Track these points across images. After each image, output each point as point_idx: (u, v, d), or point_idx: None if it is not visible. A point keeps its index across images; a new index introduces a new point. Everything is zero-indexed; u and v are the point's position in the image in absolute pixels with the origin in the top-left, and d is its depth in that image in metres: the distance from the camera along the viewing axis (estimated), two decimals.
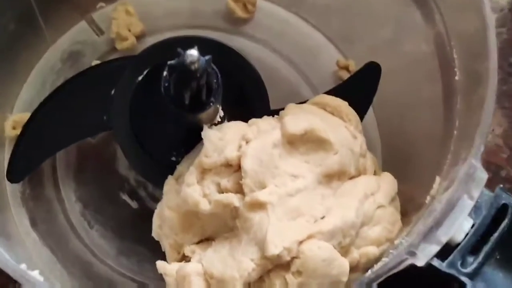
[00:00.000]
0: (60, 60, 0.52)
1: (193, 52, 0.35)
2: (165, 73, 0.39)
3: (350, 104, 0.44)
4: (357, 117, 0.44)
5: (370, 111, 0.49)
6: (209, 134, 0.40)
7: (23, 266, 0.34)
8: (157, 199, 0.44)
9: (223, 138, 0.40)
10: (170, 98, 0.39)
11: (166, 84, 0.39)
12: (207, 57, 0.36)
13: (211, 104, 0.39)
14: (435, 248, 0.33)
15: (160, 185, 0.43)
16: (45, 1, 0.49)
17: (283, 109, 0.43)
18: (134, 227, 0.50)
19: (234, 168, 0.39)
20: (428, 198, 0.38)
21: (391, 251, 0.37)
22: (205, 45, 0.36)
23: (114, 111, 0.46)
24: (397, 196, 0.42)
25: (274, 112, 0.44)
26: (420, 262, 0.33)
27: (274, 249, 0.36)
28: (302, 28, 0.54)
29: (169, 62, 0.37)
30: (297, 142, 0.40)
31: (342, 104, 0.43)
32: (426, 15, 0.44)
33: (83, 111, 0.48)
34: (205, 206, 0.39)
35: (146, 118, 0.45)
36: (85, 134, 0.49)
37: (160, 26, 0.53)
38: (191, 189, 0.39)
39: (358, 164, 0.41)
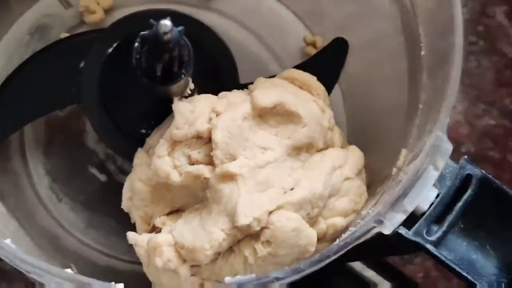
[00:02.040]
0: (28, 33, 0.51)
1: (167, 22, 0.35)
2: (136, 44, 0.39)
3: (318, 79, 0.44)
4: (325, 92, 0.44)
5: (337, 86, 0.49)
6: (179, 107, 0.40)
7: None
8: (126, 172, 0.44)
9: (193, 111, 0.40)
10: (141, 70, 0.39)
11: (138, 56, 0.39)
12: (179, 28, 0.36)
13: (183, 76, 0.39)
14: (401, 217, 0.34)
15: (129, 158, 0.43)
16: None
17: (252, 83, 0.44)
18: (103, 200, 0.50)
19: (205, 140, 0.40)
20: (395, 169, 0.39)
21: (358, 221, 0.38)
22: (175, 18, 0.36)
23: (83, 84, 0.46)
24: (363, 169, 0.43)
25: (243, 86, 0.44)
26: (387, 230, 0.34)
27: (244, 219, 0.37)
28: (271, 4, 0.54)
29: (141, 33, 0.37)
30: (266, 115, 0.41)
31: (310, 79, 0.44)
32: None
33: (50, 85, 0.47)
34: (175, 177, 0.39)
35: (115, 91, 0.45)
36: (53, 107, 0.48)
37: (129, 0, 0.53)
38: (162, 161, 0.40)
39: (326, 138, 0.42)
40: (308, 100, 0.42)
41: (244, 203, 0.37)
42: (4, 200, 0.49)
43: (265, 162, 0.39)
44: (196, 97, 0.42)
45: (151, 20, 0.36)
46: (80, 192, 0.50)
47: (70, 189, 0.50)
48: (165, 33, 0.35)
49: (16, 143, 0.50)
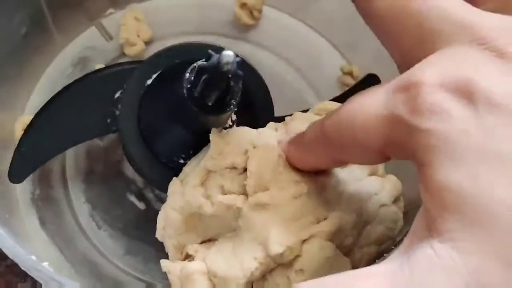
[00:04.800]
0: (70, 65, 0.53)
1: (230, 53, 0.35)
2: (187, 75, 0.39)
3: None
4: None
5: None
6: (216, 137, 0.41)
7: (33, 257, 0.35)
8: (163, 201, 0.45)
9: (230, 142, 0.41)
10: (192, 99, 0.40)
11: (189, 86, 0.39)
12: (238, 59, 0.36)
13: (232, 106, 0.40)
14: None
15: (164, 188, 0.44)
16: (56, 6, 0.50)
17: (288, 115, 0.44)
18: (141, 227, 0.51)
19: (239, 171, 0.40)
20: None
21: (392, 247, 0.38)
22: (214, 51, 0.37)
23: (121, 114, 0.46)
24: (401, 198, 0.43)
25: (279, 119, 0.44)
26: None
27: (277, 248, 0.37)
28: (307, 34, 0.55)
29: (198, 63, 0.38)
30: None
31: None
32: None
33: (85, 114, 0.49)
34: (208, 208, 0.40)
35: (154, 121, 0.46)
36: (87, 136, 0.49)
37: (168, 33, 0.55)
38: (195, 191, 0.40)
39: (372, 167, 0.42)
40: None
41: (277, 232, 0.37)
42: (46, 226, 0.50)
43: (298, 193, 0.39)
44: (234, 129, 0.42)
45: (210, 51, 0.37)
46: (119, 220, 0.51)
47: (110, 216, 0.51)
48: (228, 63, 0.35)
49: (58, 172, 0.52)
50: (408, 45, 0.30)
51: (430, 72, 0.27)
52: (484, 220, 0.25)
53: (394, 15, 0.30)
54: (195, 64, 0.39)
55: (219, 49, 0.37)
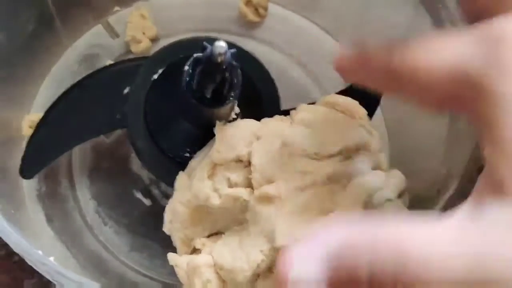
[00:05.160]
0: (76, 62, 0.54)
1: (222, 44, 0.36)
2: (187, 67, 0.40)
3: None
4: (367, 116, 0.44)
5: (378, 111, 0.49)
6: (221, 130, 0.41)
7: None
8: (169, 197, 0.45)
9: (235, 135, 0.41)
10: (191, 92, 0.40)
11: (188, 78, 0.40)
12: (232, 50, 0.37)
13: (231, 98, 0.40)
14: None
15: (171, 183, 0.44)
16: (63, 3, 0.51)
17: (293, 109, 0.44)
18: (147, 224, 0.51)
19: (245, 163, 0.40)
20: (435, 192, 0.39)
21: None
22: (210, 43, 0.37)
23: (128, 109, 0.47)
24: (406, 192, 0.43)
25: (285, 112, 0.44)
26: None
27: (283, 240, 0.37)
28: (312, 31, 0.55)
29: (194, 55, 0.38)
30: None
31: (352, 103, 0.43)
32: (437, 22, 0.45)
33: (95, 110, 0.49)
34: (215, 200, 0.40)
35: (160, 116, 0.46)
36: (98, 132, 0.50)
37: (174, 30, 0.55)
38: (202, 184, 0.40)
39: (376, 161, 0.42)
40: (354, 125, 0.42)
41: (283, 224, 0.37)
42: (52, 223, 0.50)
43: (304, 185, 0.39)
44: (238, 121, 0.43)
45: (205, 42, 0.37)
46: (125, 216, 0.51)
47: (116, 213, 0.51)
48: (220, 54, 0.36)
49: (64, 168, 0.52)
50: None
51: None
52: None
53: None
54: (192, 56, 0.39)
55: (215, 41, 0.37)
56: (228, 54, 0.36)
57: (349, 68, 0.33)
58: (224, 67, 0.37)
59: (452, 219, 0.26)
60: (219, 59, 0.36)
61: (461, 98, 0.27)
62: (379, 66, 0.30)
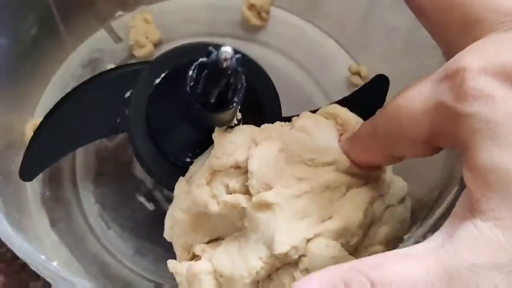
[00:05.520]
0: (80, 67, 0.54)
1: (228, 49, 0.36)
2: (190, 72, 0.40)
3: (359, 115, 0.44)
4: None
5: None
6: (220, 136, 0.41)
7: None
8: (172, 201, 0.45)
9: (233, 141, 0.41)
10: (195, 97, 0.40)
11: (192, 83, 0.40)
12: (237, 55, 0.37)
13: (234, 103, 0.40)
14: None
15: (172, 187, 0.44)
16: (66, 8, 0.51)
17: (295, 115, 0.44)
18: (150, 227, 0.51)
19: (243, 170, 0.40)
20: (436, 195, 0.39)
21: (400, 244, 0.38)
22: (215, 48, 0.37)
23: (129, 113, 0.47)
24: (408, 197, 0.43)
25: (287, 119, 0.44)
26: None
27: (282, 247, 0.37)
28: (315, 35, 0.55)
29: (200, 60, 0.38)
30: None
31: (352, 118, 0.43)
32: None
33: (96, 114, 0.49)
34: (213, 207, 0.40)
35: (162, 120, 0.46)
36: (98, 135, 0.50)
37: (177, 34, 0.55)
38: (200, 190, 0.40)
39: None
40: None
41: (282, 231, 0.37)
42: (56, 227, 0.51)
43: (301, 191, 0.39)
44: (238, 127, 0.42)
45: (210, 47, 0.37)
46: (128, 220, 0.52)
47: (119, 217, 0.52)
48: (226, 59, 0.36)
49: (67, 172, 0.52)
50: (453, 35, 0.31)
51: (473, 58, 0.28)
52: None
53: (439, 6, 0.31)
54: (197, 61, 0.39)
55: (220, 46, 0.37)
56: (234, 60, 0.37)
57: None
58: (229, 72, 0.37)
59: (424, 246, 0.28)
60: (224, 64, 0.36)
61: (443, 131, 0.29)
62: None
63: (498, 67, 0.27)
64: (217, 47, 0.37)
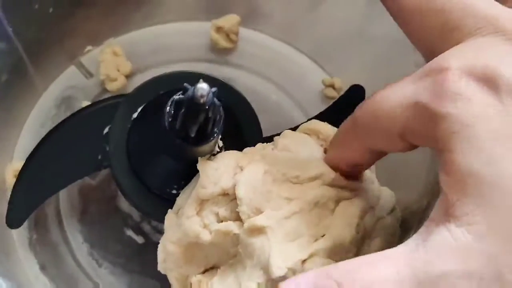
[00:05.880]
0: (54, 106, 0.54)
1: (204, 86, 0.36)
2: (167, 108, 0.40)
3: (338, 125, 0.44)
4: None
5: None
6: (204, 165, 0.41)
7: None
8: (161, 232, 0.45)
9: (218, 168, 0.41)
10: (174, 132, 0.40)
11: (170, 119, 0.40)
12: (213, 89, 0.37)
13: (215, 135, 0.41)
14: None
15: (160, 219, 0.44)
16: (34, 49, 0.50)
17: (275, 135, 0.44)
18: (141, 261, 0.51)
19: (231, 196, 0.40)
20: (425, 202, 0.39)
21: None
22: (195, 79, 0.37)
23: (110, 149, 0.47)
24: (396, 208, 0.43)
25: (268, 139, 0.44)
26: None
27: (278, 271, 0.37)
28: (286, 52, 0.55)
29: (175, 97, 0.38)
30: None
31: (333, 131, 0.43)
32: None
33: (76, 152, 0.48)
34: (205, 236, 0.40)
35: (144, 154, 0.46)
36: (81, 174, 0.49)
37: (148, 64, 0.55)
38: (190, 221, 0.40)
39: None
40: None
41: (276, 254, 0.37)
42: (46, 270, 0.50)
43: (290, 212, 0.39)
44: (221, 154, 0.43)
45: (185, 84, 0.37)
46: (119, 256, 0.51)
47: (109, 253, 0.51)
48: (202, 96, 0.36)
49: (53, 214, 0.52)
50: (434, 39, 0.31)
51: (454, 60, 0.28)
52: (502, 205, 0.26)
53: (420, 11, 0.31)
54: (173, 98, 0.39)
55: (196, 79, 0.37)
56: (211, 95, 0.36)
57: None
58: (207, 107, 0.37)
59: (398, 249, 0.28)
60: (201, 101, 0.36)
61: (418, 128, 0.29)
62: None
63: (478, 71, 0.27)
64: (191, 79, 0.37)
